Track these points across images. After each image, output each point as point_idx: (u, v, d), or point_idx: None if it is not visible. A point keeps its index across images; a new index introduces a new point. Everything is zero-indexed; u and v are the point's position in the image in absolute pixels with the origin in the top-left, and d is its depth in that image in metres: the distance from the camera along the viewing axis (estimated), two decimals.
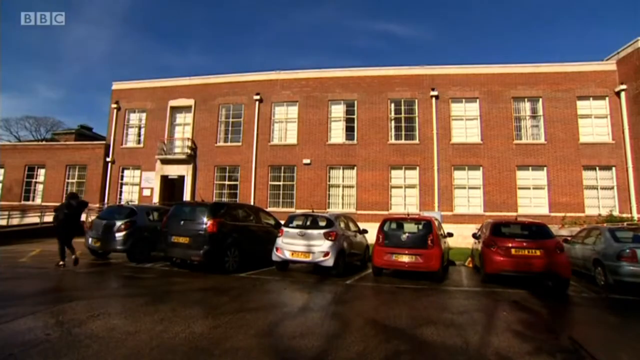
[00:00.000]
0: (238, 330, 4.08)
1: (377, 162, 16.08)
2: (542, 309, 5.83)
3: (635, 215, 14.15)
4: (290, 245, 8.09)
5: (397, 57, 74.91)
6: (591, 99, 15.70)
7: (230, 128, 18.00)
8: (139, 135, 19.18)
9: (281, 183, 16.87)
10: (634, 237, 7.79)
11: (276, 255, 8.26)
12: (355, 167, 16.29)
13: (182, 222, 8.07)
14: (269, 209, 14.73)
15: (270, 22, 77.10)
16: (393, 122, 16.53)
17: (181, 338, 3.73)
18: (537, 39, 62.21)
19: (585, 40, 58.57)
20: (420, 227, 8.19)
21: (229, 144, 17.80)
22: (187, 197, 17.24)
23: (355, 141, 16.48)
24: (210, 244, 7.62)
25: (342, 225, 8.99)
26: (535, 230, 7.81)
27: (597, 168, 15.21)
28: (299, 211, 14.78)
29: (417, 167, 15.89)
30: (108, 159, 18.73)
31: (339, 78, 17.09)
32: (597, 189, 15.16)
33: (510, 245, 7.33)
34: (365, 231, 10.01)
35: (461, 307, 5.72)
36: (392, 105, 16.60)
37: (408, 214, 9.49)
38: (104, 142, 19.69)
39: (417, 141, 16.09)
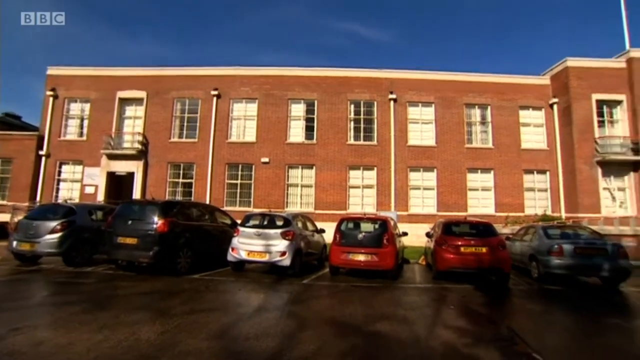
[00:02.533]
0: (188, 334, 3.88)
1: (336, 162, 16.27)
2: (486, 301, 6.26)
3: (564, 215, 15.73)
4: (246, 245, 7.90)
5: (360, 58, 76.46)
6: (530, 109, 17.20)
7: (185, 123, 17.11)
8: (81, 127, 17.46)
9: (239, 182, 16.45)
10: (561, 234, 8.69)
11: (232, 256, 8.03)
12: (314, 167, 16.34)
13: (129, 222, 7.54)
14: (226, 208, 14.30)
15: (235, 16, 75.02)
16: (352, 123, 16.83)
17: (124, 347, 3.45)
18: (492, 50, 66.92)
19: (534, 50, 64.18)
20: (376, 226, 8.39)
21: (183, 140, 16.96)
22: (137, 195, 16.14)
23: (314, 141, 16.53)
24: (160, 245, 7.20)
25: (300, 224, 8.97)
26: (482, 229, 8.33)
27: (535, 172, 16.72)
28: (256, 210, 14.51)
29: (375, 168, 16.32)
30: (42, 152, 16.64)
31: (299, 77, 17.03)
32: (534, 190, 16.66)
33: (459, 243, 7.76)
34: (322, 231, 10.06)
35: (413, 303, 5.95)
36: (352, 106, 16.90)
37: (365, 214, 9.70)
38: (36, 133, 17.40)
39: (375, 142, 16.52)
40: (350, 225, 8.73)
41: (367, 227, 8.54)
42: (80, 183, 16.71)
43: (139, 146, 16.55)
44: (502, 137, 16.76)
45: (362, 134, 16.73)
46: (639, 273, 9.00)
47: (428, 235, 9.61)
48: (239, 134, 16.96)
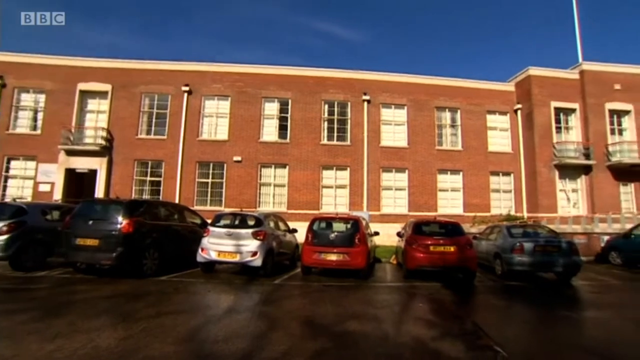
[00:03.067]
0: (154, 338, 3.72)
1: (309, 162, 16.26)
2: (453, 298, 6.47)
3: (526, 215, 16.62)
4: (216, 246, 7.71)
5: (336, 59, 76.84)
6: (497, 113, 18.03)
7: (154, 119, 16.40)
8: (35, 119, 16.14)
9: (209, 180, 16.03)
10: (523, 233, 9.15)
11: (201, 256, 7.80)
12: (287, 166, 16.25)
13: (90, 222, 7.10)
14: (196, 208, 13.90)
15: (208, 10, 72.94)
16: (326, 123, 16.90)
17: (80, 355, 3.22)
18: (461, 55, 69.47)
19: (501, 57, 67.38)
20: (349, 226, 8.45)
21: (152, 136, 16.28)
22: (100, 194, 15.31)
23: (288, 140, 16.44)
24: (125, 246, 6.85)
25: (272, 224, 8.88)
26: (451, 229, 8.59)
27: (500, 174, 17.55)
28: (227, 210, 14.22)
29: (348, 168, 16.47)
30: None
31: (274, 75, 16.85)
32: (500, 192, 17.49)
33: (429, 243, 7.96)
34: (294, 230, 10.01)
35: (384, 302, 6.05)
36: (326, 106, 16.95)
37: (337, 214, 9.74)
38: None
39: (348, 143, 16.67)
40: (323, 225, 8.74)
41: (339, 226, 8.58)
42: (34, 180, 15.49)
43: (103, 142, 15.69)
44: (471, 140, 17.44)
45: (335, 134, 16.82)
46: (587, 268, 9.78)
47: (399, 234, 9.80)
48: (210, 132, 16.54)
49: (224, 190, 15.86)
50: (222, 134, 16.38)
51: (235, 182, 15.84)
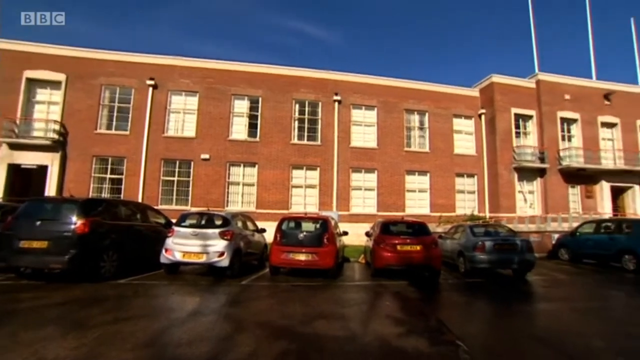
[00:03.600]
0: (110, 346, 3.50)
1: (279, 161, 16.11)
2: (418, 296, 6.64)
3: (488, 214, 17.46)
4: (181, 246, 7.42)
5: (307, 58, 76.81)
6: (462, 117, 18.80)
7: (115, 113, 15.48)
8: None
9: (175, 179, 15.43)
10: (485, 232, 9.58)
11: (165, 257, 7.48)
12: (257, 165, 16.00)
13: (38, 223, 6.51)
14: (161, 207, 13.35)
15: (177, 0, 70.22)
16: (297, 122, 16.82)
17: None
18: (430, 59, 71.80)
19: (468, 63, 70.39)
20: (317, 226, 8.45)
21: (113, 131, 15.38)
22: (51, 192, 14.21)
23: (257, 139, 16.19)
24: (79, 248, 6.39)
25: (240, 224, 8.70)
26: (417, 229, 8.81)
27: (465, 175, 18.31)
28: (193, 209, 13.77)
29: (318, 168, 16.49)
30: None
31: (244, 73, 16.53)
32: (464, 192, 18.24)
33: (396, 242, 8.12)
34: (263, 230, 9.89)
35: (352, 301, 6.09)
36: (297, 105, 16.88)
37: (306, 214, 9.73)
38: None
39: (318, 142, 16.69)
40: (292, 224, 8.69)
41: (308, 226, 8.57)
42: None
43: (56, 136, 14.56)
44: (438, 143, 18.06)
45: (306, 134, 16.79)
46: (540, 264, 10.45)
47: (367, 234, 9.93)
48: (177, 128, 15.92)
49: (190, 189, 15.33)
50: (190, 130, 15.83)
51: (202, 181, 15.37)
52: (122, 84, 15.56)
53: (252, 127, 16.40)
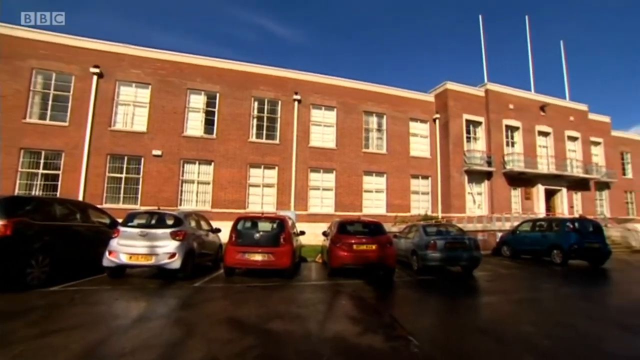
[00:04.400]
0: None
1: (237, 159, 15.67)
2: (373, 294, 6.77)
3: (440, 215, 18.36)
4: (128, 248, 6.91)
5: (268, 55, 75.83)
6: (419, 121, 19.59)
7: (50, 102, 13.95)
8: None
9: (123, 175, 14.37)
10: (436, 231, 10.03)
11: (108, 260, 6.91)
12: (213, 163, 15.42)
13: None
14: (106, 206, 12.38)
15: None
16: (255, 120, 16.47)
17: None
18: (390, 63, 74.05)
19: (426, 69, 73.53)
20: (274, 225, 8.33)
21: (47, 122, 13.84)
22: None
23: (214, 136, 15.61)
24: None
25: (193, 223, 8.34)
26: (373, 228, 8.98)
27: (420, 177, 19.10)
28: (143, 208, 12.95)
29: (276, 167, 16.28)
30: None
31: (201, 67, 15.84)
32: (419, 193, 19.01)
33: (352, 241, 8.23)
34: (218, 230, 9.56)
35: (308, 300, 6.05)
36: (256, 103, 16.53)
37: (263, 213, 9.55)
38: None
39: (277, 141, 16.48)
40: (248, 224, 8.48)
41: (264, 226, 8.41)
42: None
43: None
44: (395, 145, 18.65)
45: (264, 132, 16.50)
46: (485, 260, 11.22)
47: (324, 234, 9.97)
48: (126, 122, 14.84)
49: (140, 186, 14.37)
50: (140, 125, 14.84)
51: (154, 178, 14.48)
52: (60, 70, 14.08)
53: (209, 123, 15.78)
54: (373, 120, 18.65)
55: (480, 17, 21.42)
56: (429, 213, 18.34)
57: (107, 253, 6.94)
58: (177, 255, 7.00)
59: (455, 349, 4.01)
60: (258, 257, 7.67)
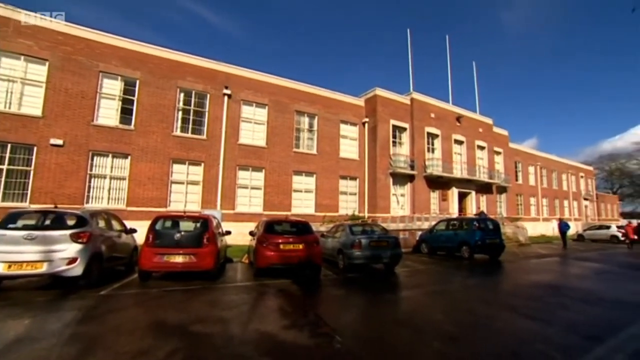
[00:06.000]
0: None
1: (158, 154, 14.35)
2: (299, 293, 6.75)
3: (367, 215, 19.22)
4: (7, 255, 5.76)
5: (201, 45, 71.49)
6: (349, 124, 20.23)
7: None
8: None
9: (5, 167, 11.84)
10: (362, 231, 10.44)
11: None
12: (130, 157, 13.87)
13: None
14: None
15: None
16: (180, 113, 15.28)
17: None
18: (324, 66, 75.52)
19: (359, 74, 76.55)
20: (198, 225, 7.85)
21: None
22: None
23: (132, 127, 14.06)
24: None
25: (102, 224, 7.40)
26: (301, 228, 9.00)
27: (348, 178, 19.72)
28: (33, 207, 11.12)
29: (202, 164, 15.33)
30: None
31: (118, 48, 14.09)
32: (347, 194, 19.61)
33: (279, 241, 8.14)
34: (133, 230, 8.62)
35: (232, 302, 5.80)
36: (182, 94, 15.35)
37: (185, 212, 8.92)
38: None
39: (204, 137, 15.53)
40: (168, 224, 7.83)
41: (186, 225, 7.85)
42: None
43: None
44: (325, 146, 18.98)
45: (190, 126, 15.38)
46: (406, 257, 12.06)
47: (251, 233, 9.71)
48: (10, 102, 12.28)
49: (30, 181, 12.16)
50: (34, 107, 12.56)
51: (52, 172, 12.44)
52: None
53: (127, 113, 14.16)
54: (305, 121, 18.75)
55: (408, 31, 23.03)
56: (356, 213, 19.05)
57: None
58: (78, 260, 6.11)
59: (375, 341, 4.18)
60: (179, 259, 7.13)
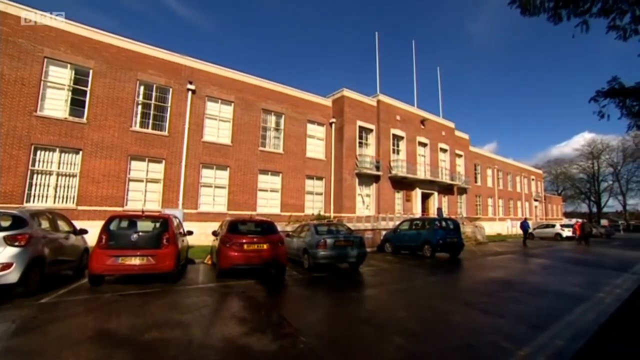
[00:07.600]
0: None
1: (115, 150, 13.48)
2: (264, 294, 6.60)
3: (332, 214, 19.31)
4: None
5: (167, 36, 68.34)
6: (316, 124, 20.21)
7: None
8: None
9: None
10: (327, 231, 10.45)
11: None
12: (82, 152, 12.90)
13: None
14: None
15: None
16: (140, 107, 14.47)
17: None
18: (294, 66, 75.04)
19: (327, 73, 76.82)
20: (157, 225, 7.42)
21: None
22: None
23: (85, 119, 13.09)
24: None
25: (46, 224, 6.78)
26: (265, 227, 8.80)
27: (315, 178, 19.69)
28: None
29: (163, 161, 14.61)
30: None
31: (67, 33, 13.00)
32: (313, 194, 19.58)
33: (243, 241, 7.91)
34: (83, 231, 7.99)
35: (193, 305, 5.55)
36: (142, 88, 14.53)
37: (143, 211, 8.42)
38: None
39: (166, 133, 14.81)
40: (123, 224, 7.33)
41: (145, 226, 7.39)
42: None
43: None
44: (292, 145, 18.82)
45: (151, 122, 14.61)
46: (371, 256, 12.26)
47: (215, 233, 9.38)
48: None
49: None
50: None
51: None
52: None
53: (78, 104, 13.17)
54: (271, 119, 18.49)
55: (376, 34, 23.44)
56: (322, 213, 19.09)
57: None
58: (14, 266, 5.51)
59: (339, 340, 4.17)
60: (136, 261, 6.70)
